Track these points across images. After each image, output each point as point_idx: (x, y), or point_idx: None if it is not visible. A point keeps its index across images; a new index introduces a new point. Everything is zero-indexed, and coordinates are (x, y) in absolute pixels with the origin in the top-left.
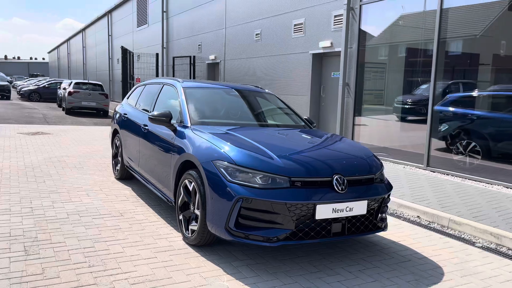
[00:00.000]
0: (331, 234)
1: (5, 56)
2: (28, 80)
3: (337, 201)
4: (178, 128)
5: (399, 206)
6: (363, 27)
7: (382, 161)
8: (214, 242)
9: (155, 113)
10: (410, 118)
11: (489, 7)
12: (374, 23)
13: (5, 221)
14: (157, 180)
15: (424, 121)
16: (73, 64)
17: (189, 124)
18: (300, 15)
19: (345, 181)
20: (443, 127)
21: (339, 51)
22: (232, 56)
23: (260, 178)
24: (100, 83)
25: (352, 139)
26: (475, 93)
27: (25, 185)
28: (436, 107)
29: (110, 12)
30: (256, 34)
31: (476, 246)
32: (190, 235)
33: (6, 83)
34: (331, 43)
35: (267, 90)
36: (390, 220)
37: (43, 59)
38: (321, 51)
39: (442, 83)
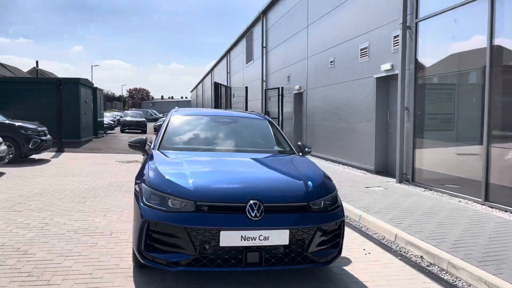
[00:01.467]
0: (244, 264)
1: (162, 96)
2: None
3: (248, 229)
4: (150, 152)
5: (406, 244)
6: (423, 46)
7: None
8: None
9: (132, 139)
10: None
11: None
12: (435, 40)
13: (7, 231)
14: None
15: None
16: (205, 101)
17: (156, 149)
18: (365, 39)
19: (262, 207)
20: None
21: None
22: (312, 85)
23: (171, 201)
24: None
25: (413, 167)
26: None
27: (66, 204)
28: None
29: (228, 51)
30: (331, 62)
31: None
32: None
33: (143, 119)
34: (392, 66)
35: (265, 117)
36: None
37: (186, 97)
38: (384, 74)
39: None
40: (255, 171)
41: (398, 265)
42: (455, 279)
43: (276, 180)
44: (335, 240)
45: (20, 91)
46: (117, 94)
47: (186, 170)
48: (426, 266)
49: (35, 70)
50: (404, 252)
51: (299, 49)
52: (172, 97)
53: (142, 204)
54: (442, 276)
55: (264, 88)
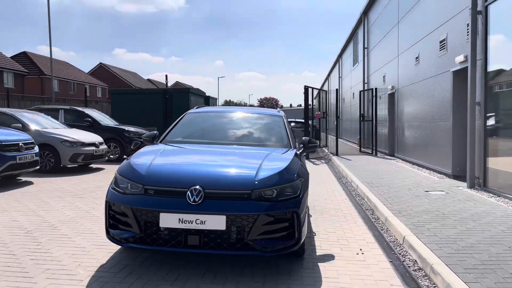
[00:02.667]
0: (185, 245)
1: (290, 104)
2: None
3: (186, 212)
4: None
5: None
6: (495, 32)
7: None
8: None
9: (145, 134)
10: None
11: None
12: (509, 24)
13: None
14: None
15: None
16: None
17: (158, 142)
18: (443, 30)
19: (202, 193)
20: None
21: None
22: (402, 84)
23: (129, 185)
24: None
25: (485, 170)
26: None
27: None
28: None
29: (340, 55)
30: (416, 58)
31: None
32: None
33: None
34: (465, 57)
35: (280, 115)
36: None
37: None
38: (459, 67)
39: None
40: (213, 160)
41: (381, 267)
42: (431, 284)
43: (227, 168)
44: (288, 231)
45: (136, 101)
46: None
47: (153, 159)
48: (414, 270)
49: (178, 84)
50: (402, 255)
51: (391, 47)
52: (300, 105)
53: (110, 188)
54: (421, 282)
55: (359, 90)
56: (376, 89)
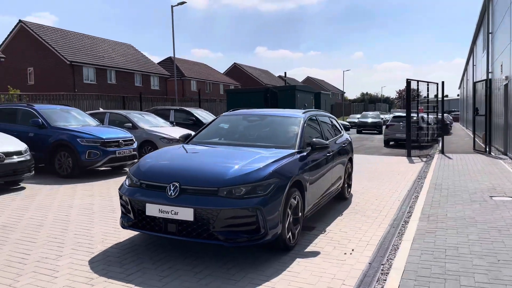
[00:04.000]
0: (165, 232)
1: (435, 95)
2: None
3: (164, 204)
4: None
5: None
6: None
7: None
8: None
9: (181, 134)
10: None
11: None
12: None
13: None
14: None
15: None
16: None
17: (185, 143)
18: None
19: (178, 188)
20: None
21: None
22: None
23: (133, 180)
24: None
25: None
26: None
27: None
28: None
29: (474, 41)
30: None
31: None
32: None
33: (379, 120)
34: None
35: (301, 116)
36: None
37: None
38: None
39: None
40: (200, 160)
41: (353, 268)
42: None
43: (204, 167)
44: (254, 226)
45: (244, 99)
46: (393, 96)
47: (157, 158)
48: (381, 274)
49: (309, 79)
50: (388, 259)
51: (505, 32)
52: (447, 95)
53: (123, 182)
54: (374, 285)
55: (473, 81)
56: (489, 80)
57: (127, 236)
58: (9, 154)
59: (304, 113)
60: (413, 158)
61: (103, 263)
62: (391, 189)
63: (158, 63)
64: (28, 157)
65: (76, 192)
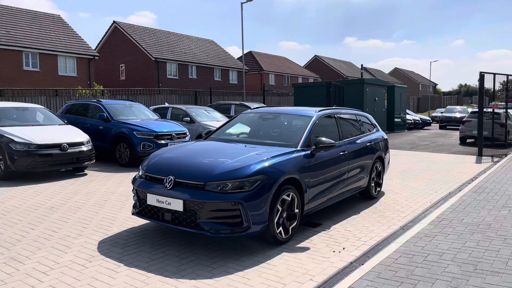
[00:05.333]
0: (162, 220)
1: None
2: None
3: (161, 194)
4: None
5: None
6: None
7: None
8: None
9: (206, 131)
10: None
11: None
12: None
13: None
14: None
15: None
16: None
17: (203, 139)
18: None
19: (172, 181)
20: None
21: None
22: None
23: (140, 173)
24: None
25: None
26: None
27: None
28: None
29: None
30: None
31: None
32: None
33: (466, 115)
34: None
35: (313, 115)
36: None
37: None
38: None
39: None
40: (205, 156)
41: (332, 266)
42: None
43: (197, 163)
44: (236, 219)
45: (309, 93)
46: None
47: (164, 153)
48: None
49: (396, 71)
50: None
51: None
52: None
53: (136, 174)
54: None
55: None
56: None
57: (143, 222)
58: (72, 144)
59: (319, 111)
60: (483, 157)
61: (109, 244)
62: (431, 190)
63: (238, 58)
64: (90, 147)
65: (125, 180)
